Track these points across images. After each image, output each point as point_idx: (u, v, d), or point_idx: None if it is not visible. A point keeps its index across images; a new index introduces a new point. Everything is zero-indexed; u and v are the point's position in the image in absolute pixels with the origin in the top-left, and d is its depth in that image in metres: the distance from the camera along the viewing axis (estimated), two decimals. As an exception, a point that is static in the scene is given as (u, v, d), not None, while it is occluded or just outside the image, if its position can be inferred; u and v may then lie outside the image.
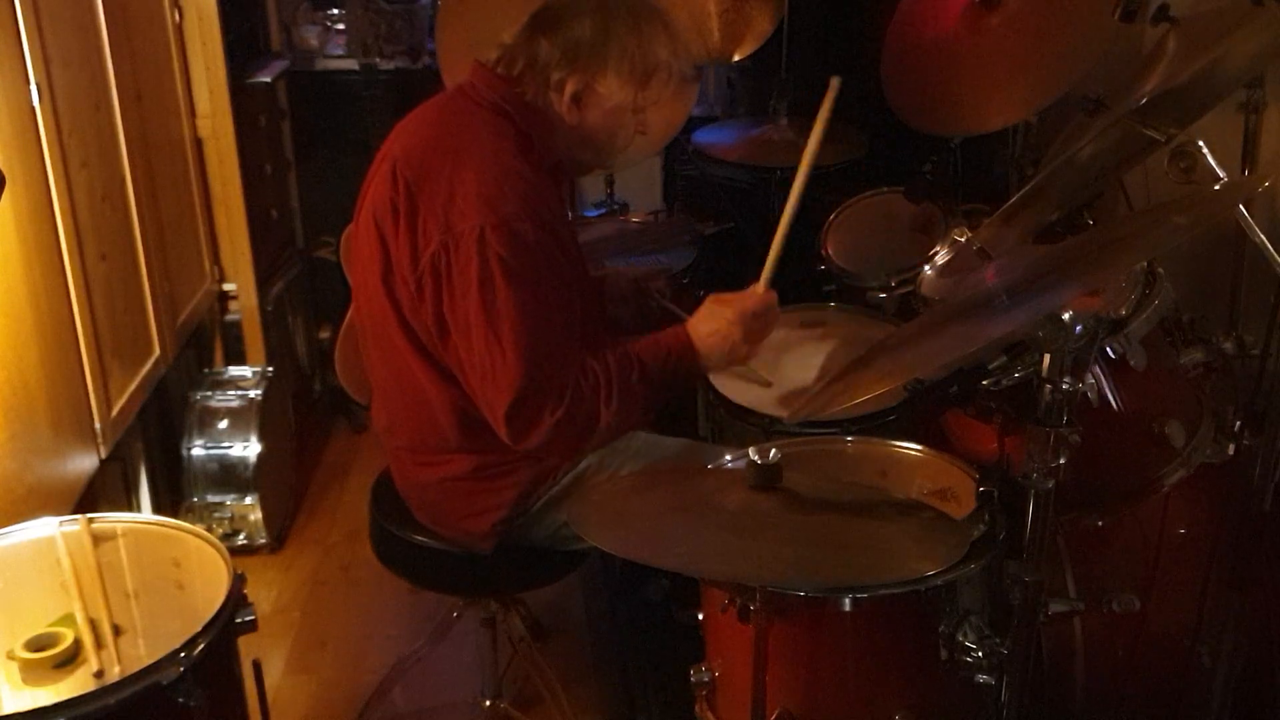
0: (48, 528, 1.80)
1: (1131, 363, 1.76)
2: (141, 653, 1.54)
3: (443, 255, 1.84)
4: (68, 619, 1.59)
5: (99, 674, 1.51)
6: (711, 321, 1.99)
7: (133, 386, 2.63)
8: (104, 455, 2.46)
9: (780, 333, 2.08)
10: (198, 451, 3.09)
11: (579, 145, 2.02)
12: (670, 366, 1.96)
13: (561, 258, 1.92)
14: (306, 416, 3.75)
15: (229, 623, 1.61)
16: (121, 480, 2.75)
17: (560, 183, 2.09)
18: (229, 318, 3.37)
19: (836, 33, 3.66)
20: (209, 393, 3.16)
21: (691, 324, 2.01)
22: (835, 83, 2.06)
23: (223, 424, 3.11)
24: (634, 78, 1.94)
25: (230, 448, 3.09)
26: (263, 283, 3.42)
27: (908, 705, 1.62)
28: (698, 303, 2.06)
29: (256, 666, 1.70)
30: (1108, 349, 1.73)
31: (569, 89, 1.94)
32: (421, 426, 2.02)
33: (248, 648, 1.69)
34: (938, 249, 2.36)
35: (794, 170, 3.23)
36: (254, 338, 3.37)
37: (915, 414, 2.12)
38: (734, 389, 2.24)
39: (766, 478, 1.62)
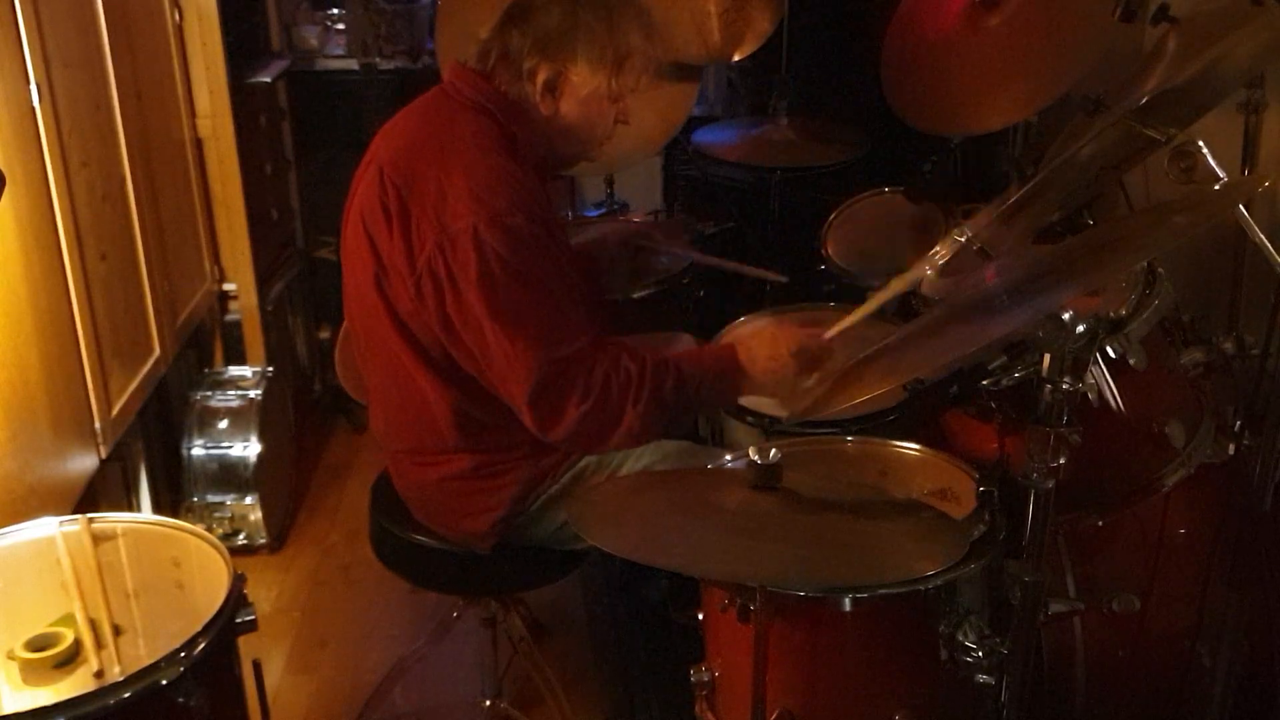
0: (48, 528, 1.80)
1: (1131, 363, 1.76)
2: (141, 653, 1.54)
3: (439, 256, 1.84)
4: (68, 619, 1.59)
5: (99, 674, 1.51)
6: (770, 347, 1.97)
7: (133, 386, 2.63)
8: (104, 455, 2.46)
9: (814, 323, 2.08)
10: (198, 451, 3.09)
11: (559, 137, 2.02)
12: (710, 382, 1.95)
13: (555, 250, 1.93)
14: (306, 416, 3.75)
15: (229, 623, 1.61)
16: (121, 480, 2.75)
17: (545, 180, 2.09)
18: (229, 318, 3.37)
19: (836, 33, 3.66)
20: (209, 393, 3.16)
21: (744, 347, 1.98)
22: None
23: (223, 424, 3.11)
24: (605, 64, 1.95)
25: (230, 448, 3.09)
26: (263, 283, 3.42)
27: (908, 705, 1.62)
28: (699, 303, 2.06)
29: (256, 666, 1.70)
30: (1108, 349, 1.73)
31: (541, 77, 1.95)
32: (419, 427, 2.02)
33: (248, 648, 1.69)
34: (938, 249, 2.36)
35: (794, 170, 3.24)
36: (254, 338, 3.37)
37: (915, 414, 2.12)
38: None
39: (766, 478, 1.62)
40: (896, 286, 2.02)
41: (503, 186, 1.87)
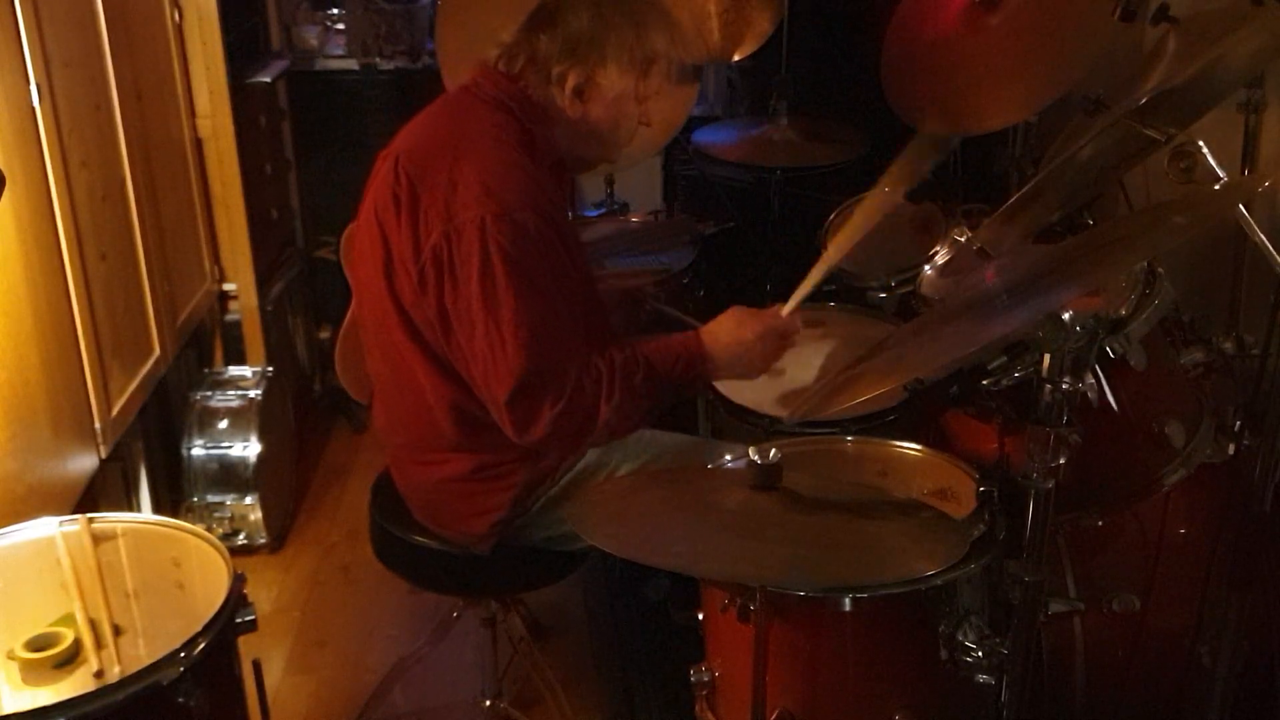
0: (48, 528, 1.80)
1: (1131, 363, 1.76)
2: (141, 653, 1.54)
3: (444, 246, 1.84)
4: (68, 619, 1.59)
5: (99, 674, 1.51)
6: (734, 333, 1.99)
7: (133, 386, 2.63)
8: (104, 455, 2.46)
9: (775, 305, 2.09)
10: (198, 451, 3.09)
11: (582, 139, 2.02)
12: (678, 371, 1.96)
13: (563, 250, 1.93)
14: (306, 416, 3.75)
15: (229, 623, 1.61)
16: (121, 480, 2.75)
17: (562, 180, 2.09)
18: (229, 318, 3.38)
19: (836, 33, 3.66)
20: (209, 393, 3.16)
21: (708, 332, 2.00)
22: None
23: (223, 424, 3.11)
24: (634, 68, 1.95)
25: (230, 448, 3.09)
26: (263, 283, 3.42)
27: (908, 705, 1.62)
28: (699, 303, 2.06)
29: (256, 666, 1.70)
30: (1108, 349, 1.73)
31: (570, 82, 1.94)
32: (421, 425, 2.02)
33: (248, 648, 1.69)
34: (938, 249, 2.36)
35: (794, 170, 3.23)
36: (254, 338, 3.37)
37: (915, 414, 2.12)
38: (734, 388, 2.24)
39: (766, 478, 1.62)
40: (841, 247, 2.02)
41: (515, 181, 1.86)
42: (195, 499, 3.09)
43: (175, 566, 1.76)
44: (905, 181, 2.13)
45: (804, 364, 2.28)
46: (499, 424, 1.89)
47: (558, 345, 1.86)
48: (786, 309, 2.03)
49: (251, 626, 1.64)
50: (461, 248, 1.83)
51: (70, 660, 1.54)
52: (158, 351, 2.80)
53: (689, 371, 1.97)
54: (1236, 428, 1.86)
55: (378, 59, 3.94)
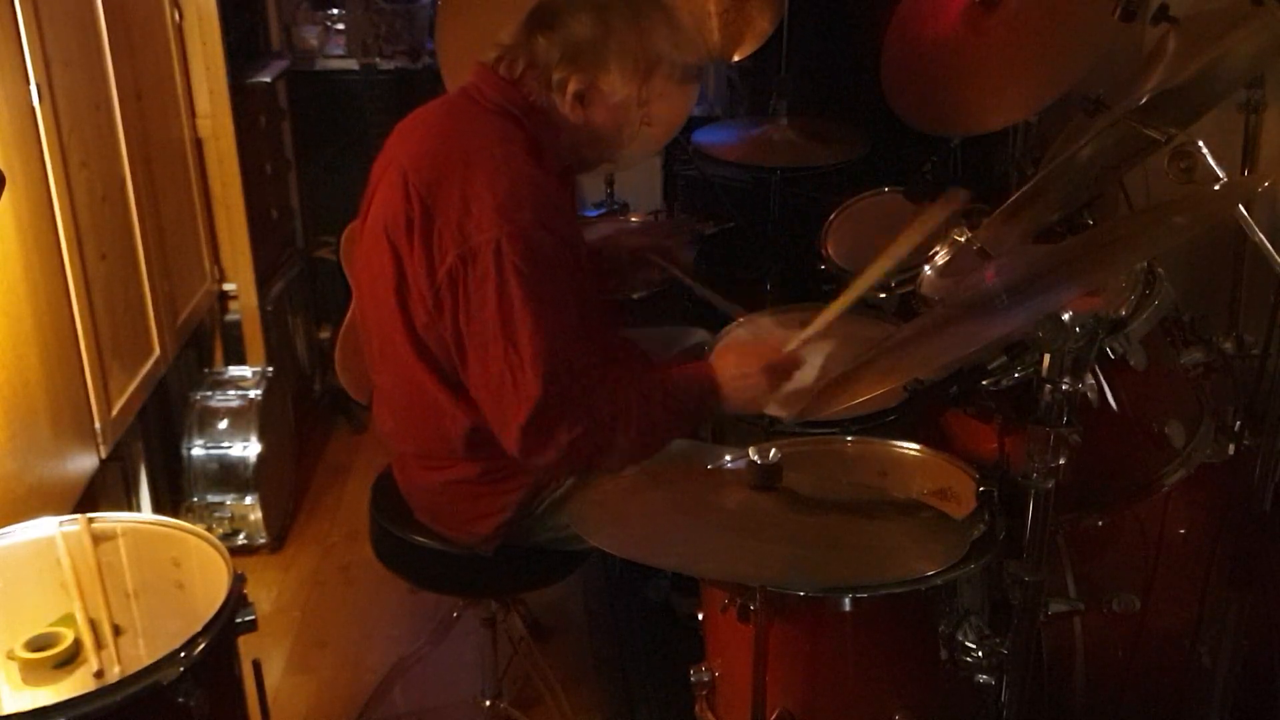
0: (48, 528, 1.80)
1: (1131, 363, 1.76)
2: (141, 653, 1.54)
3: (460, 268, 1.81)
4: (68, 619, 1.59)
5: (99, 674, 1.51)
6: (740, 367, 1.98)
7: (133, 386, 2.63)
8: (104, 455, 2.46)
9: (780, 332, 2.08)
10: (198, 451, 3.09)
11: (585, 143, 2.00)
12: (693, 404, 1.96)
13: (575, 265, 1.92)
14: (306, 416, 3.75)
15: (229, 623, 1.61)
16: (121, 480, 2.75)
17: (569, 187, 2.07)
18: (229, 318, 3.38)
19: (836, 33, 3.66)
20: (209, 393, 3.16)
21: (719, 366, 2.00)
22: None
23: (223, 424, 3.11)
24: (637, 73, 1.92)
25: (230, 448, 3.09)
26: (263, 283, 3.42)
27: (908, 705, 1.62)
28: (699, 303, 2.05)
29: (256, 666, 1.70)
30: (1108, 349, 1.73)
31: (571, 88, 1.92)
32: (428, 434, 2.01)
33: (248, 648, 1.69)
34: (938, 249, 2.36)
35: (794, 170, 3.24)
36: (254, 338, 3.37)
37: (915, 414, 2.12)
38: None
39: (766, 478, 1.62)
40: (853, 294, 2.02)
41: (528, 199, 1.83)
42: (195, 499, 3.09)
43: (175, 566, 1.76)
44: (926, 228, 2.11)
45: (804, 364, 2.28)
46: (506, 447, 1.86)
47: (573, 367, 1.84)
48: (791, 345, 2.01)
49: (251, 626, 1.64)
50: (477, 270, 1.80)
51: (70, 660, 1.54)
52: (158, 351, 2.80)
53: (702, 405, 1.97)
54: (1236, 428, 1.86)
55: (378, 59, 3.94)
